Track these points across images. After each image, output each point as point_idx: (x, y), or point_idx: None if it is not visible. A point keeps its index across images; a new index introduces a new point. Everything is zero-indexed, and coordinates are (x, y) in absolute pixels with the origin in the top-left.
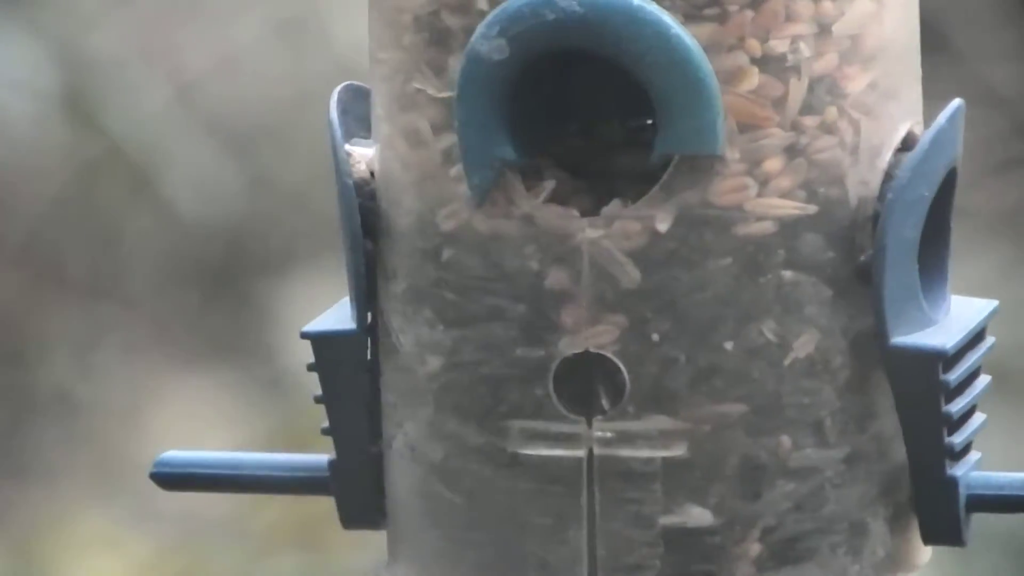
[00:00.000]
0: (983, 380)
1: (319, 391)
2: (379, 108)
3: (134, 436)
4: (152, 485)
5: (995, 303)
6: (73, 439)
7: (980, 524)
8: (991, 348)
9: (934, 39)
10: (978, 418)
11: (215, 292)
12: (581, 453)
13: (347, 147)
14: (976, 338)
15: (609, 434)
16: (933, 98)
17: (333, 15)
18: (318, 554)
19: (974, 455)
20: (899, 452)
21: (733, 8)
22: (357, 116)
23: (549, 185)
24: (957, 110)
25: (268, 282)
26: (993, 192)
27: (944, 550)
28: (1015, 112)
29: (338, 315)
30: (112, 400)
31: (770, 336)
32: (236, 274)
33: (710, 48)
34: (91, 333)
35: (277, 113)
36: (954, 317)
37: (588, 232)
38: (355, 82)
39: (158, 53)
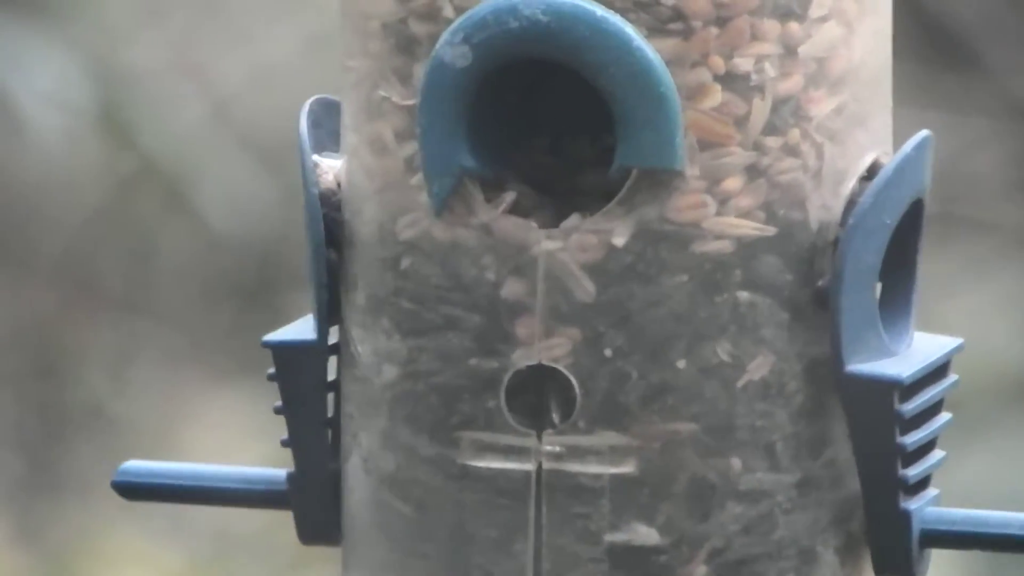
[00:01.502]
0: (943, 416)
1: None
2: (347, 118)
3: (167, 451)
4: None
5: (960, 341)
6: (107, 454)
7: None
8: (954, 385)
9: (965, 55)
10: (936, 454)
11: (249, 307)
12: (530, 467)
13: (315, 157)
14: (937, 372)
15: (559, 448)
16: (962, 113)
17: None
18: None
19: (931, 491)
20: (853, 482)
21: (697, 24)
22: (330, 130)
23: (509, 196)
24: (924, 140)
25: (301, 297)
26: (1020, 206)
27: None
28: None
29: (303, 326)
30: (146, 415)
31: (724, 356)
32: (269, 289)
33: (673, 63)
34: (125, 348)
35: None
36: (916, 350)
37: (545, 244)
38: (328, 96)
39: (192, 68)
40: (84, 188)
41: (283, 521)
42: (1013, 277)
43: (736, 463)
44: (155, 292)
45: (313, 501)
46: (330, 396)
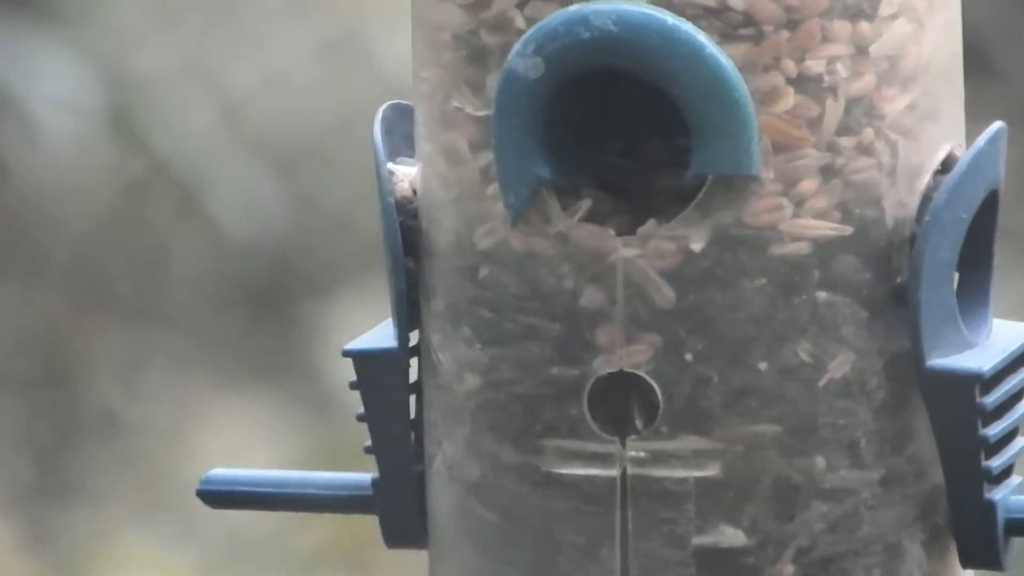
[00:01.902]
0: None
1: (362, 410)
2: (421, 126)
3: (179, 456)
4: (197, 504)
5: None
6: (118, 459)
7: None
8: None
9: (979, 61)
10: (1019, 442)
11: (260, 312)
12: (615, 473)
13: (390, 165)
14: (1017, 361)
15: (643, 454)
16: (977, 120)
17: (378, 34)
18: (362, 574)
19: (1015, 479)
20: (936, 474)
21: (768, 28)
22: (403, 135)
23: (585, 204)
24: (998, 132)
25: (313, 302)
26: None
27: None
28: None
29: (381, 333)
30: (157, 420)
31: (805, 357)
32: (281, 294)
33: (745, 68)
34: (136, 353)
35: (322, 132)
36: (994, 340)
37: (623, 251)
38: (401, 101)
39: (203, 72)
40: (95, 193)
41: (293, 526)
42: None
43: (820, 462)
44: (166, 297)
45: (398, 505)
46: (411, 397)
